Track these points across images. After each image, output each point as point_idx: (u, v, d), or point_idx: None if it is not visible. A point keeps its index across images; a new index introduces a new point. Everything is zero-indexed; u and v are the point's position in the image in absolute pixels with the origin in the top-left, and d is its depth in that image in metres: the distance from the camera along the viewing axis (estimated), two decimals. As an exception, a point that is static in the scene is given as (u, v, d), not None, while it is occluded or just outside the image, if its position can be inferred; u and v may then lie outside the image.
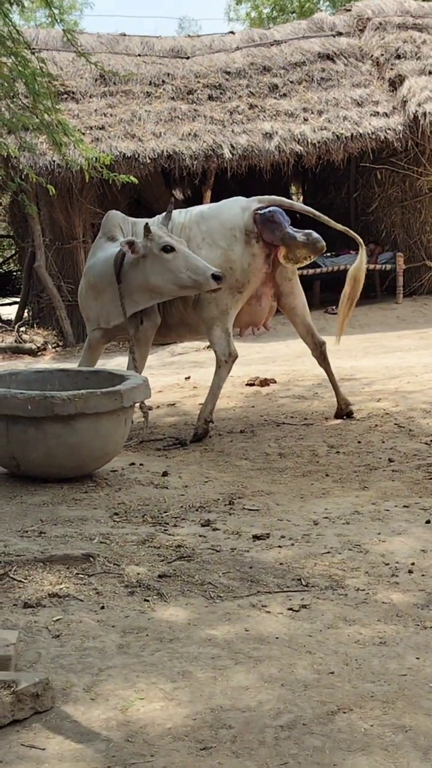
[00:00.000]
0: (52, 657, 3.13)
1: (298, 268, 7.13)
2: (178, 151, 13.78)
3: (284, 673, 3.02)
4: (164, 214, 6.87)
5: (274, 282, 6.96)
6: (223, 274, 6.38)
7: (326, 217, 7.15)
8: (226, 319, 6.83)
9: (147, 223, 6.64)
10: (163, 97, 14.81)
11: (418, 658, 3.11)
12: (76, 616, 3.45)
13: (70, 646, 3.21)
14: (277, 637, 3.29)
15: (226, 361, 6.86)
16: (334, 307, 14.37)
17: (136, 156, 13.58)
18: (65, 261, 14.29)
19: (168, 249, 6.42)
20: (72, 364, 8.13)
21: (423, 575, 3.87)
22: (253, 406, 7.91)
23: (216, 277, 6.28)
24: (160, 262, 6.42)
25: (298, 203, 7.95)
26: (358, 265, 7.28)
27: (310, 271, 14.01)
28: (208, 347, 12.10)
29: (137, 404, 6.61)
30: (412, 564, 3.99)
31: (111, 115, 14.26)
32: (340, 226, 7.28)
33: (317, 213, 7.14)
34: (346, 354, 10.57)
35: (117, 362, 10.09)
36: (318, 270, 14.37)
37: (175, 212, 7.16)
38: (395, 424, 6.83)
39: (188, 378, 9.58)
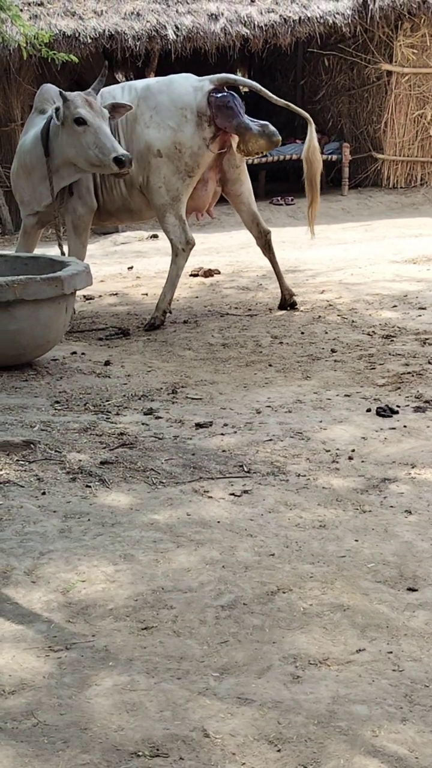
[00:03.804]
0: (-8, 541, 3.12)
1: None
2: (121, 31, 13.23)
3: (225, 555, 3.05)
4: (98, 79, 6.30)
5: (221, 168, 6.77)
6: (130, 157, 5.93)
7: (269, 92, 6.88)
8: (179, 205, 6.61)
9: (61, 90, 6.23)
10: (105, -28, 14.12)
11: (356, 541, 3.17)
12: (16, 502, 3.43)
13: (10, 531, 3.20)
14: (218, 521, 3.32)
15: (183, 249, 6.66)
16: (279, 198, 14.24)
17: (77, 35, 13.00)
18: (3, 144, 13.77)
19: (80, 122, 6.03)
20: (11, 252, 7.91)
21: (363, 461, 3.92)
22: (197, 297, 7.83)
23: (118, 161, 5.86)
24: (74, 133, 6.08)
25: (242, 78, 7.68)
26: (308, 144, 7.03)
27: (256, 161, 13.75)
28: (150, 237, 11.88)
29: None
30: (353, 451, 4.03)
31: (50, -9, 13.58)
32: (281, 101, 6.97)
33: (260, 87, 6.86)
34: (290, 245, 10.48)
35: (58, 250, 9.86)
36: (264, 159, 14.09)
37: (117, 89, 6.81)
38: (338, 315, 6.82)
39: (131, 268, 9.42)
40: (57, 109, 6.10)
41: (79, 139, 6.05)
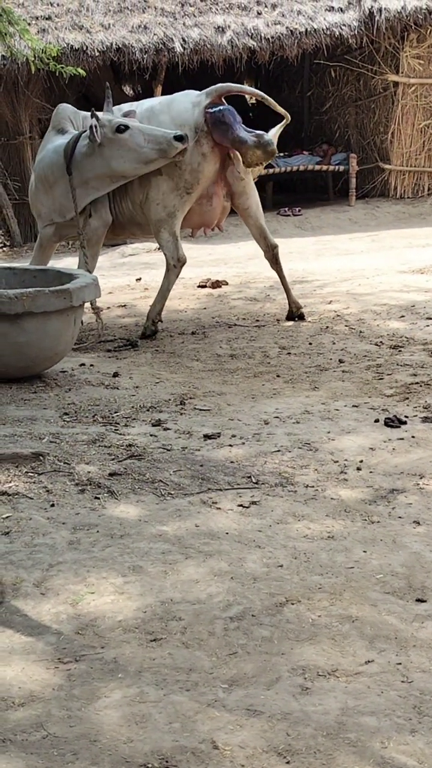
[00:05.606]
0: (1, 553, 3.13)
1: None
2: (128, 44, 13.29)
3: (234, 566, 3.06)
4: (105, 103, 6.60)
5: (225, 181, 6.80)
6: (185, 133, 6.23)
7: (272, 100, 6.90)
8: (174, 221, 6.67)
9: (93, 109, 6.43)
10: (112, -15, 14.18)
11: (365, 552, 3.17)
12: (25, 514, 3.44)
13: (19, 543, 3.21)
14: (227, 533, 3.32)
15: (174, 266, 6.76)
16: (286, 209, 14.27)
17: (84, 48, 13.07)
18: (11, 158, 13.85)
19: (122, 128, 6.28)
20: (19, 265, 7.95)
21: (371, 472, 3.92)
22: (205, 308, 7.85)
23: (179, 138, 6.16)
24: (119, 143, 6.28)
25: (242, 86, 7.69)
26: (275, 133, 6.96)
27: (263, 172, 13.77)
28: (158, 249, 11.91)
29: (89, 305, 6.52)
30: (361, 461, 4.04)
31: (58, 5, 13.65)
32: (280, 109, 6.97)
33: (262, 94, 6.89)
34: (298, 256, 10.50)
35: (67, 262, 9.91)
36: (271, 171, 14.13)
37: (125, 108, 6.91)
38: (346, 326, 6.83)
39: (139, 279, 9.45)
40: (92, 128, 6.24)
41: (127, 144, 6.27)
